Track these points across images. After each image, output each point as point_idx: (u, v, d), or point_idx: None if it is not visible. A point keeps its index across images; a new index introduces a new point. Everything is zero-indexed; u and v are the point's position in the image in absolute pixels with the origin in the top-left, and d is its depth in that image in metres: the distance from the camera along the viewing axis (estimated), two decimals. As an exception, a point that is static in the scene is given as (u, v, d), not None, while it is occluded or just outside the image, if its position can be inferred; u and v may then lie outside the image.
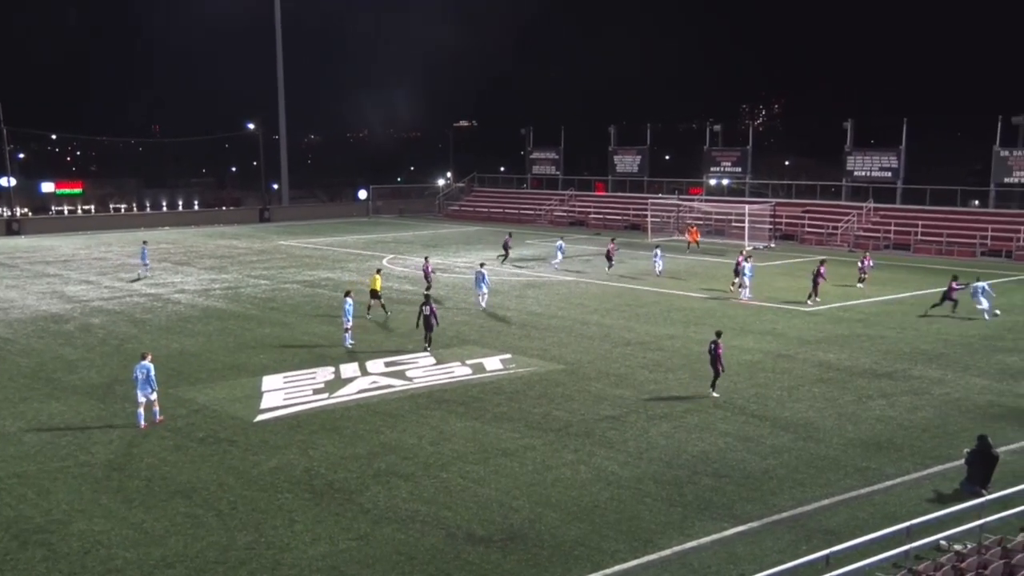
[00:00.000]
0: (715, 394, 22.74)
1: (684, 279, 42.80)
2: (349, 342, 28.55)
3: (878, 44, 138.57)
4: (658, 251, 44.71)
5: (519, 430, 20.34)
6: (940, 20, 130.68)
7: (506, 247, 49.59)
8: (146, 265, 44.83)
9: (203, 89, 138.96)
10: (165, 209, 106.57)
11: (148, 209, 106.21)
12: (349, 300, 28.85)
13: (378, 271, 35.80)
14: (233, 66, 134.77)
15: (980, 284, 33.88)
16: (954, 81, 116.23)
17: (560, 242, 49.23)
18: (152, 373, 20.49)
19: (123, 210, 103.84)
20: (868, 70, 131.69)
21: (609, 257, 45.74)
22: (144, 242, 46.87)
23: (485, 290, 35.09)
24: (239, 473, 17.80)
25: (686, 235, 56.41)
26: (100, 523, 15.56)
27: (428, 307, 28.24)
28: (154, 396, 20.68)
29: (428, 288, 37.92)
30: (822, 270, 37.03)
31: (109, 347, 28.87)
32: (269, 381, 24.49)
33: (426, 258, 41.93)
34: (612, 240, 48.98)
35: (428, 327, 28.11)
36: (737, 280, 38.60)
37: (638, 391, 23.46)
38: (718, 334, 23.28)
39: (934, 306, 33.98)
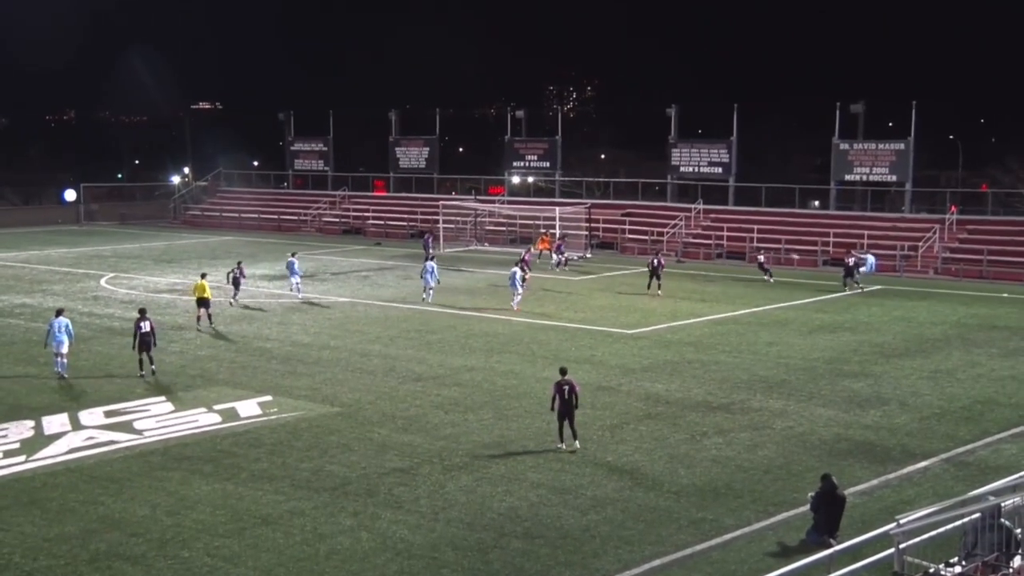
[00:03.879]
0: (577, 445, 22.48)
1: (485, 296, 43.41)
2: (60, 369, 28.91)
3: (703, 19, 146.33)
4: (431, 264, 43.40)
5: (283, 491, 19.97)
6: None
7: (427, 247, 53.45)
8: None
9: None
10: None
11: None
12: (63, 320, 29.25)
13: (203, 276, 38.49)
14: None
15: None
16: (790, 64, 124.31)
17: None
18: (70, 326, 27.22)
19: None
20: (692, 48, 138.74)
21: (657, 271, 44.66)
22: None
23: (296, 279, 43.13)
24: (-99, 568, 16.48)
25: (536, 244, 57.44)
26: None
27: (147, 322, 29.39)
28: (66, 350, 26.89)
29: (235, 297, 41.65)
30: (662, 260, 45.64)
31: None
32: (-57, 443, 22.89)
33: (239, 263, 44.28)
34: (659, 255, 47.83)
35: (145, 346, 29.25)
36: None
37: (431, 437, 23.55)
38: (563, 371, 23.04)
39: None
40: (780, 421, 25.15)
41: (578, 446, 22.63)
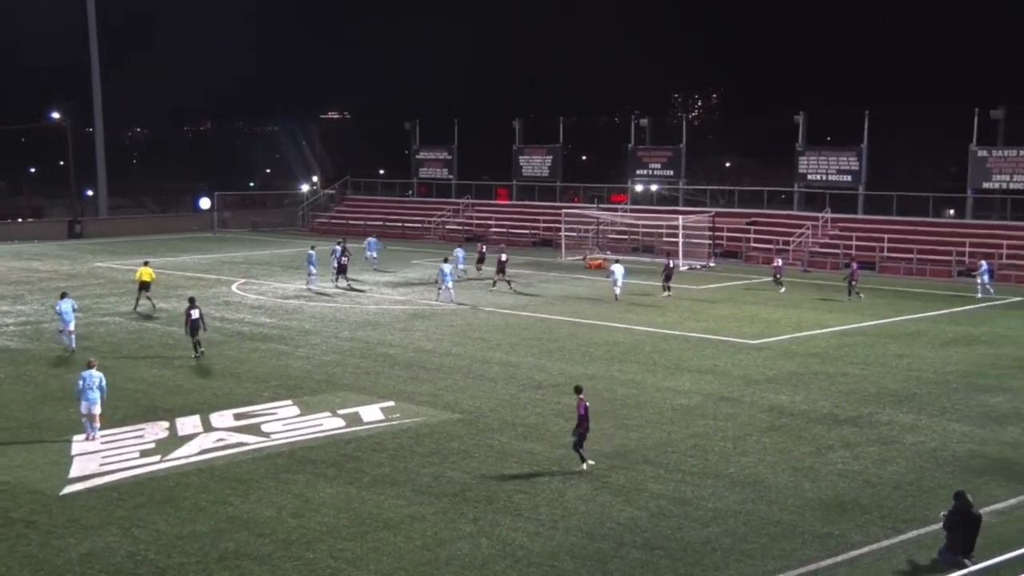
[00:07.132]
0: (589, 463, 21.78)
1: (607, 304, 43.31)
2: (69, 343, 33.73)
3: (834, 23, 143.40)
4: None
5: (405, 496, 20.20)
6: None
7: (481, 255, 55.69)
8: None
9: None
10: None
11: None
12: (69, 301, 34.10)
13: (145, 263, 43.24)
14: (31, 37, 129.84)
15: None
16: (924, 68, 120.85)
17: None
18: (104, 382, 23.87)
19: None
20: (821, 55, 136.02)
21: (669, 273, 47.45)
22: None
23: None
24: (39, 563, 17.14)
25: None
26: None
27: (196, 310, 32.86)
28: (98, 410, 23.67)
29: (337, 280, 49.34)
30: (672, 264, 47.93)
31: None
32: (81, 443, 23.76)
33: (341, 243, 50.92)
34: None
35: (195, 331, 32.63)
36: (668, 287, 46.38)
37: (551, 445, 23.54)
38: (577, 389, 22.17)
39: None
40: (911, 436, 24.46)
41: (585, 465, 21.77)
